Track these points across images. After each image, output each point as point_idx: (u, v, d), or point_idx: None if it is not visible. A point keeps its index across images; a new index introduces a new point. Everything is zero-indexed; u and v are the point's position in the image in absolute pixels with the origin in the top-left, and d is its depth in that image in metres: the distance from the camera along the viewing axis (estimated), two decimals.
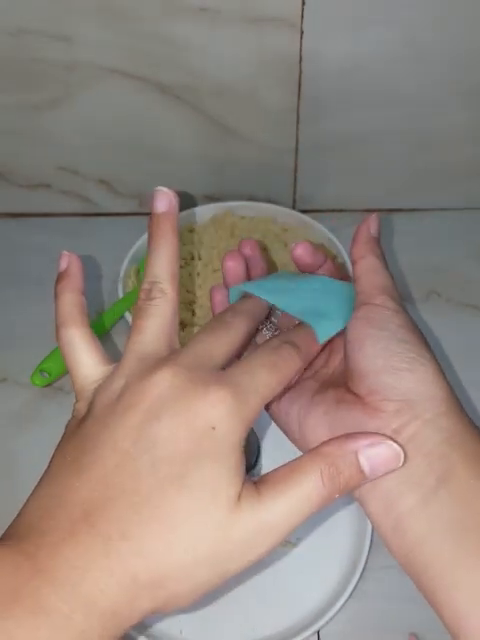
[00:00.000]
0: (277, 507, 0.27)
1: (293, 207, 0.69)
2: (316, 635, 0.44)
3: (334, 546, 0.46)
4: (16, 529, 0.26)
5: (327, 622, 0.43)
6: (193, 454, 0.26)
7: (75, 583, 0.24)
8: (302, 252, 0.38)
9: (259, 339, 0.38)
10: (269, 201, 0.65)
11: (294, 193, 0.69)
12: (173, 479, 0.26)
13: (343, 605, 0.43)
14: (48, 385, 0.55)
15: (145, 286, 0.31)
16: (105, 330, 0.59)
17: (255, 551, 0.27)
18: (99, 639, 0.25)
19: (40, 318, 0.47)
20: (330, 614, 0.43)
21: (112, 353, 0.31)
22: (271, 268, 0.43)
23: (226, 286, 0.38)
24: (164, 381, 0.27)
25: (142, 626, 0.43)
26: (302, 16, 0.54)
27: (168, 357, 0.29)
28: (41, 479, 0.28)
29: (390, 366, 0.31)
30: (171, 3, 0.53)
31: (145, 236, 0.59)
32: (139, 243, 0.60)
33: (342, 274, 0.40)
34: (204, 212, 0.64)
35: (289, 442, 0.34)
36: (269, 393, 0.29)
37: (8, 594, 0.24)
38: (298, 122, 0.62)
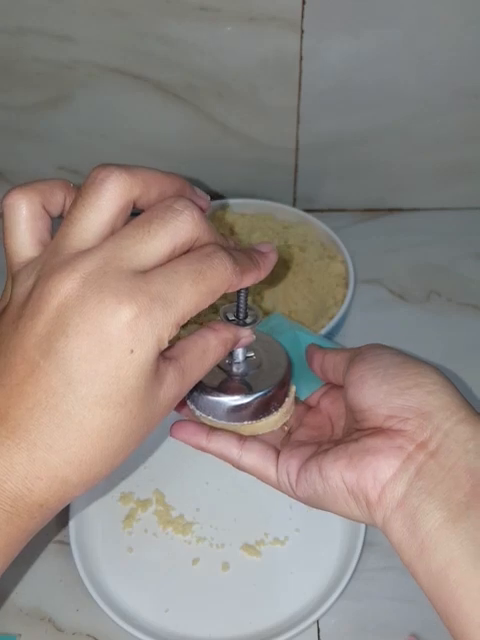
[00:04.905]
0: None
1: (293, 206, 0.69)
2: (316, 636, 0.44)
3: (327, 542, 0.47)
4: None
5: (320, 616, 0.43)
6: (113, 376, 0.25)
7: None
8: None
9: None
10: (269, 200, 0.65)
11: (294, 192, 0.69)
12: (94, 399, 0.25)
13: (335, 602, 0.43)
14: None
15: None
16: None
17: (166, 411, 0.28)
18: (25, 526, 0.26)
19: None
20: (323, 609, 0.43)
21: None
22: None
23: None
24: (64, 288, 0.25)
25: (148, 627, 0.43)
26: (302, 15, 0.53)
27: (76, 257, 0.26)
28: None
29: (396, 388, 0.31)
30: (171, 2, 0.53)
31: None
32: None
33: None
34: None
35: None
36: (191, 308, 0.26)
37: None
38: (298, 121, 0.62)
